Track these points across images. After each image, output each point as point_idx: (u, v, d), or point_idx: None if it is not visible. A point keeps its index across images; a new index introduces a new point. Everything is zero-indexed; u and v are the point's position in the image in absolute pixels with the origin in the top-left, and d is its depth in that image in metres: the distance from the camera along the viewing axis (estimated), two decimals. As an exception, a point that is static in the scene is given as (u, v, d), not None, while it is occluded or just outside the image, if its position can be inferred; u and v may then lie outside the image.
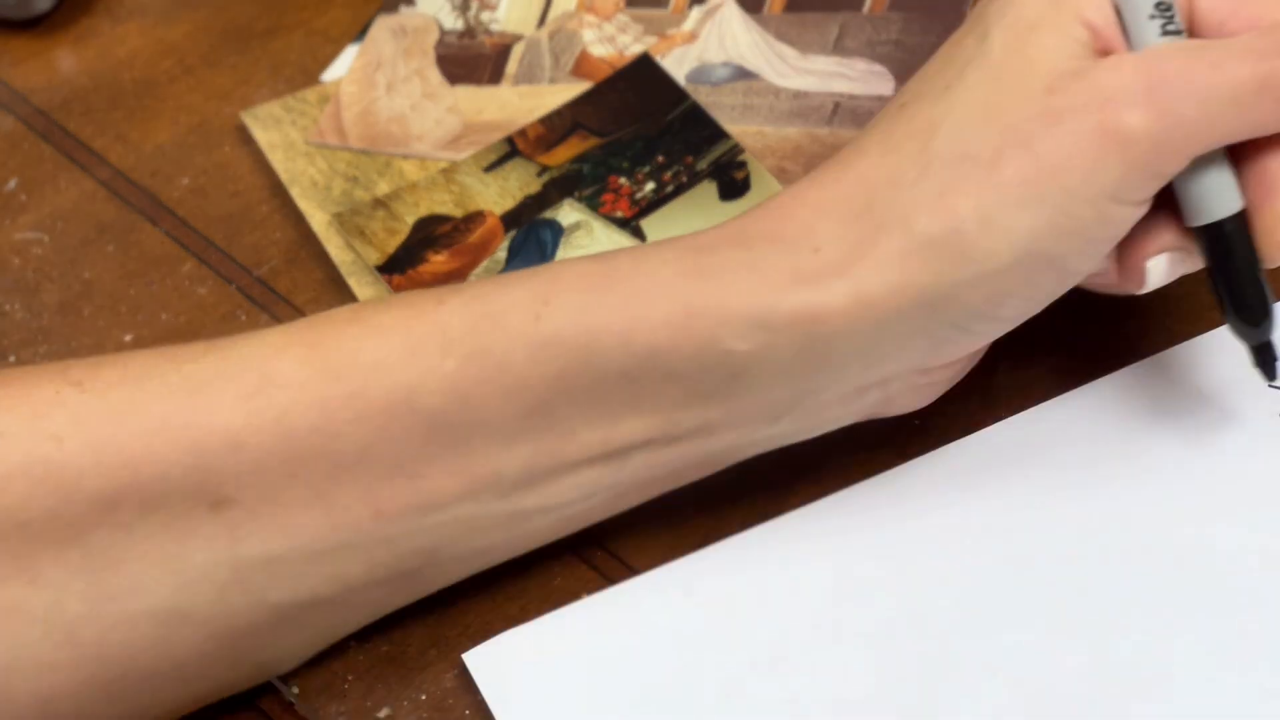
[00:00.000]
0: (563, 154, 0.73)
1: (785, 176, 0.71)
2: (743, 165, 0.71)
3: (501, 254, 0.70)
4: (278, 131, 0.75)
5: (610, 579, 0.61)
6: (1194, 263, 0.57)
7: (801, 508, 0.60)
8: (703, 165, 0.71)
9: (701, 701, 0.57)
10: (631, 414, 0.55)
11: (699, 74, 0.75)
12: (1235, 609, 0.57)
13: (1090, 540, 0.59)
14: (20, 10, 0.80)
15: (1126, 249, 0.57)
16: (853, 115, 0.73)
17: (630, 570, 0.61)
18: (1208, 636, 0.56)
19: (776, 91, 0.74)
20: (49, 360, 0.69)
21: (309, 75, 0.78)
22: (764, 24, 0.76)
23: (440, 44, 0.78)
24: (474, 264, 0.69)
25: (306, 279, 0.71)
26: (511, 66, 0.77)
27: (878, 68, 0.74)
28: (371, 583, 0.57)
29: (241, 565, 0.55)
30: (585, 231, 0.70)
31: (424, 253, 0.70)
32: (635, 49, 0.76)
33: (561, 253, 0.69)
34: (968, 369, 0.60)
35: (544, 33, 0.78)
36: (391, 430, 0.54)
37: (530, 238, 0.70)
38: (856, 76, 0.74)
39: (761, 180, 0.70)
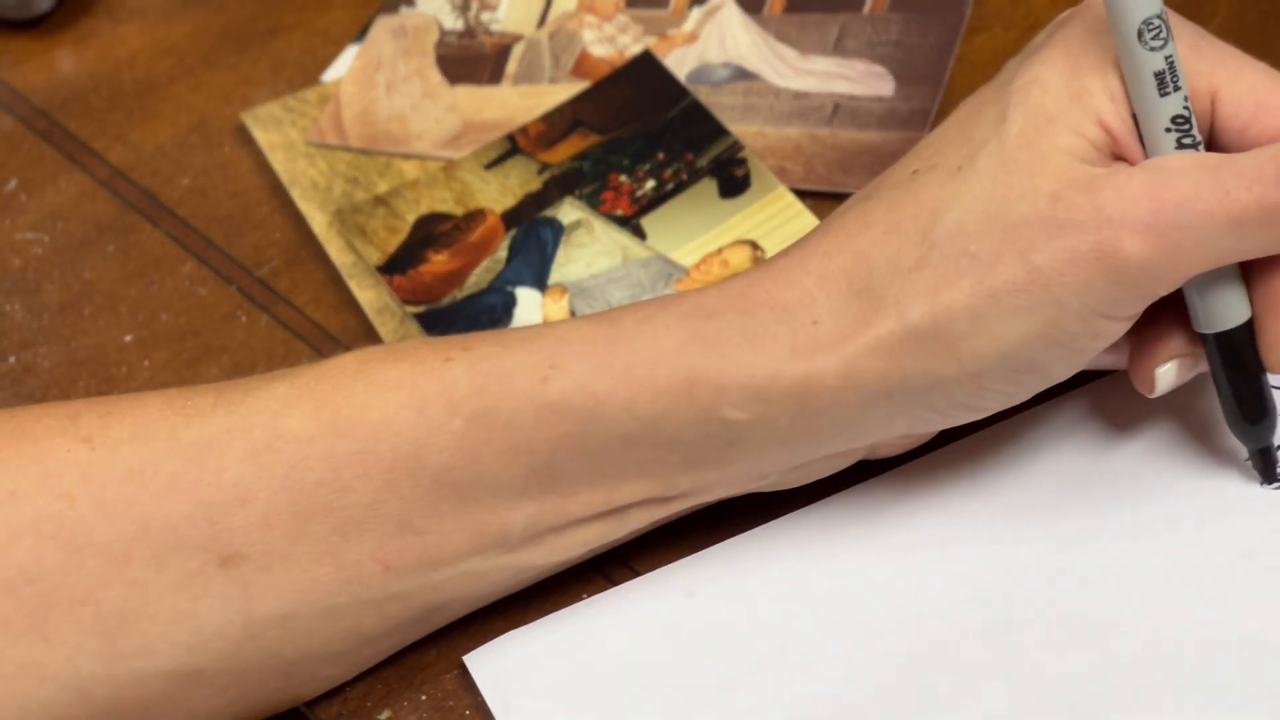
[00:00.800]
0: (563, 151, 0.73)
1: (785, 176, 0.71)
2: (743, 162, 0.71)
3: (502, 253, 0.70)
4: (278, 132, 0.75)
5: (611, 580, 0.61)
6: (1201, 366, 0.58)
7: (802, 509, 0.60)
8: (703, 163, 0.71)
9: (702, 702, 0.57)
10: (632, 476, 0.57)
11: (699, 74, 0.75)
12: (1234, 610, 0.57)
13: (1091, 539, 0.59)
14: (20, 10, 0.80)
15: (1138, 355, 0.58)
16: (853, 115, 0.73)
17: (631, 571, 0.61)
18: (1208, 635, 0.56)
19: (776, 92, 0.74)
20: (49, 360, 0.69)
21: (309, 75, 0.78)
22: (764, 24, 0.76)
23: (440, 44, 0.78)
24: (475, 263, 0.69)
25: (306, 279, 0.71)
26: (511, 66, 0.77)
27: (878, 68, 0.74)
28: (383, 634, 0.57)
29: (255, 623, 0.55)
30: (585, 230, 0.70)
31: (424, 252, 0.70)
32: (635, 49, 0.76)
33: (563, 252, 0.69)
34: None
35: (544, 33, 0.78)
36: (400, 486, 0.55)
37: (531, 236, 0.70)
38: (856, 77, 0.74)
39: (761, 178, 0.70)
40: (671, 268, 0.69)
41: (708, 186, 0.71)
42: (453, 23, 0.78)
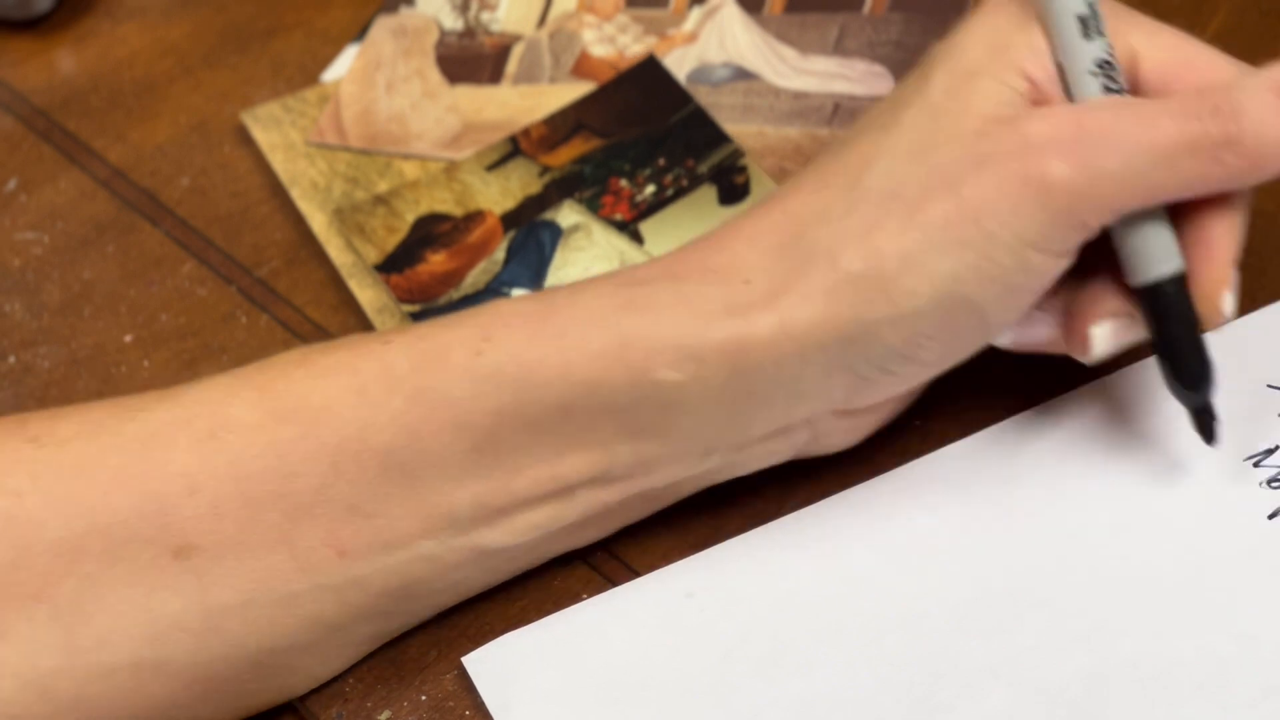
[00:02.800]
0: (565, 154, 0.73)
1: (785, 177, 0.71)
2: (743, 170, 0.71)
3: (500, 254, 0.70)
4: (278, 132, 0.75)
5: (611, 580, 0.61)
6: (1140, 331, 0.58)
7: (801, 509, 0.60)
8: (703, 169, 0.71)
9: (701, 702, 0.57)
10: (573, 448, 0.57)
11: (699, 74, 0.75)
12: (1235, 609, 0.57)
13: (1091, 540, 0.59)
14: (20, 10, 0.80)
15: (1072, 315, 0.58)
16: (852, 116, 0.73)
17: (631, 571, 0.61)
18: (1208, 634, 0.56)
19: (776, 92, 0.74)
20: (49, 360, 0.69)
21: (309, 75, 0.78)
22: (764, 24, 0.76)
23: (440, 44, 0.78)
24: (472, 264, 0.69)
25: (306, 279, 0.71)
26: (511, 66, 0.77)
27: (878, 68, 0.74)
28: (348, 623, 0.58)
29: (213, 612, 0.55)
30: (584, 233, 0.70)
31: (423, 251, 0.70)
32: (635, 49, 0.76)
33: (560, 255, 0.69)
34: (895, 413, 0.60)
35: (544, 33, 0.78)
36: (346, 468, 0.55)
37: (529, 239, 0.70)
38: (856, 77, 0.74)
39: (761, 185, 0.70)
40: (668, 272, 0.69)
41: (707, 193, 0.71)
42: (452, 23, 0.78)
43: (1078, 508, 0.59)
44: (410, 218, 0.71)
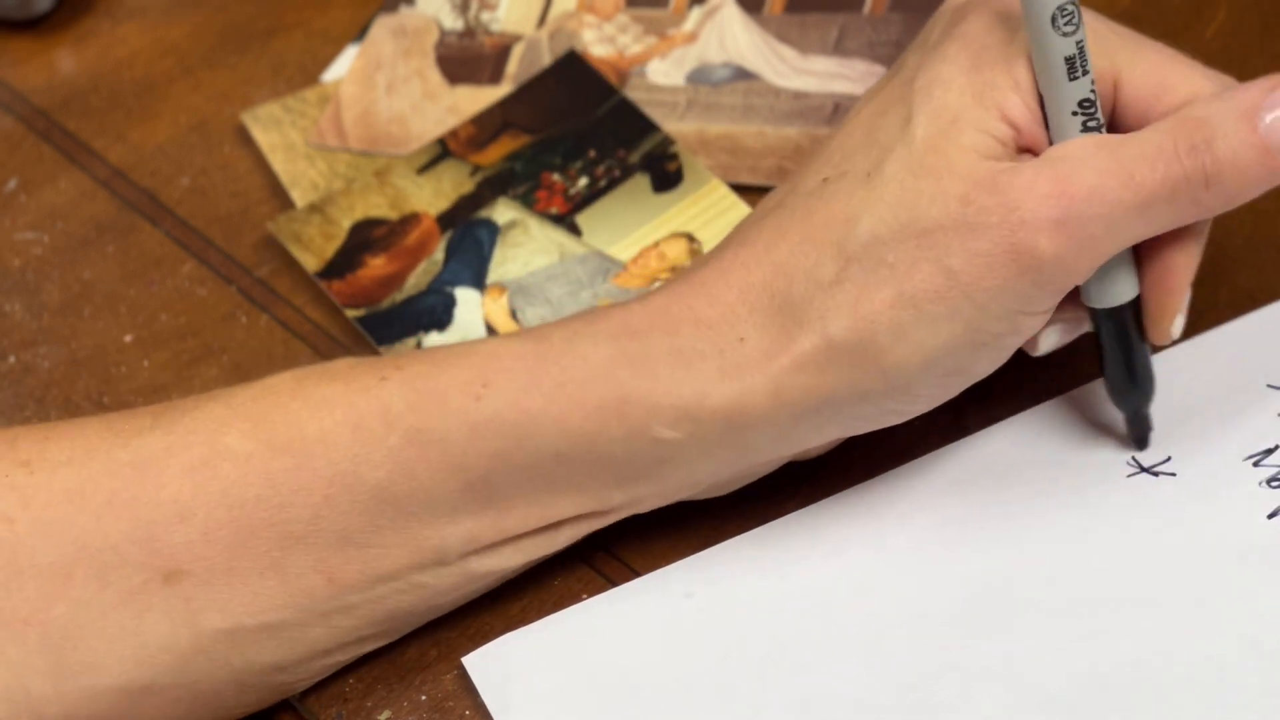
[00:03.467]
0: (494, 153, 0.73)
1: (785, 176, 0.71)
2: (675, 157, 0.71)
3: (439, 255, 0.70)
4: (278, 132, 0.75)
5: (611, 580, 0.61)
6: (1083, 329, 0.59)
7: (801, 509, 0.61)
8: (635, 158, 0.72)
9: (701, 703, 0.57)
10: (566, 492, 0.57)
11: (699, 74, 0.75)
12: (1233, 610, 0.57)
13: (1090, 539, 0.59)
14: (20, 10, 0.80)
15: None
16: (853, 115, 0.73)
17: (631, 571, 0.61)
18: (1206, 635, 0.56)
19: (776, 92, 0.74)
20: (49, 360, 0.69)
21: (309, 75, 0.78)
22: (764, 24, 0.76)
23: (440, 44, 0.78)
24: (412, 265, 0.70)
25: (306, 279, 0.71)
26: (511, 66, 0.77)
27: (878, 69, 0.74)
28: (334, 646, 0.58)
29: (202, 636, 0.55)
30: (521, 229, 0.70)
31: (361, 256, 0.70)
32: (635, 49, 0.76)
33: (499, 252, 0.70)
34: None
35: (544, 33, 0.78)
36: (338, 500, 0.56)
37: (467, 237, 0.70)
38: (856, 77, 0.74)
39: (694, 171, 0.71)
40: (609, 263, 0.69)
41: (640, 182, 0.71)
42: (452, 23, 0.78)
43: (1076, 507, 0.59)
44: (346, 224, 0.71)
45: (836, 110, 0.73)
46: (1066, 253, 0.54)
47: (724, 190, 0.70)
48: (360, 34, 0.79)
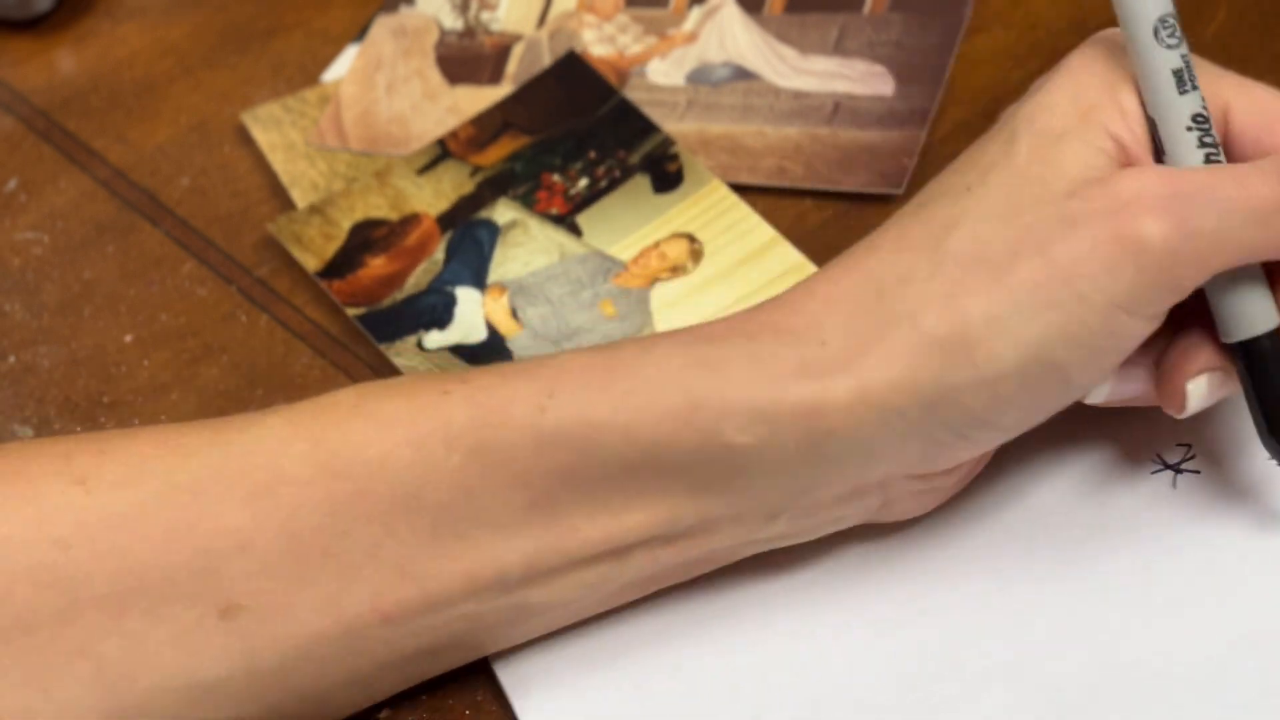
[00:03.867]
0: (494, 154, 0.73)
1: (785, 175, 0.71)
2: (675, 157, 0.71)
3: (439, 255, 0.70)
4: (278, 132, 0.75)
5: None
6: (1235, 385, 0.56)
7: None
8: (635, 159, 0.72)
9: (708, 702, 0.57)
10: (634, 508, 0.55)
11: (699, 74, 0.75)
12: (1233, 612, 0.57)
13: (1094, 543, 0.59)
14: (20, 10, 0.80)
15: (1166, 370, 0.56)
16: (853, 115, 0.73)
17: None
18: (1208, 636, 0.56)
19: (776, 92, 0.74)
20: (49, 360, 0.69)
21: (309, 75, 0.78)
22: (764, 24, 0.76)
23: (440, 44, 0.78)
24: (413, 266, 0.70)
25: (306, 279, 0.71)
26: (511, 66, 0.77)
27: (878, 68, 0.74)
28: (373, 678, 0.56)
29: (254, 674, 0.54)
30: (521, 229, 0.70)
31: (362, 257, 0.70)
32: (635, 49, 0.76)
33: (500, 252, 0.70)
34: (970, 477, 0.59)
35: (544, 33, 0.78)
36: (398, 528, 0.54)
37: (467, 238, 0.70)
38: (856, 77, 0.74)
39: (695, 172, 0.71)
40: (609, 263, 0.69)
41: (641, 182, 0.71)
42: (452, 22, 0.78)
43: (1080, 504, 0.59)
44: (346, 224, 0.71)
45: (836, 110, 0.73)
46: (1173, 239, 0.52)
47: (725, 191, 0.70)
48: (360, 34, 0.79)
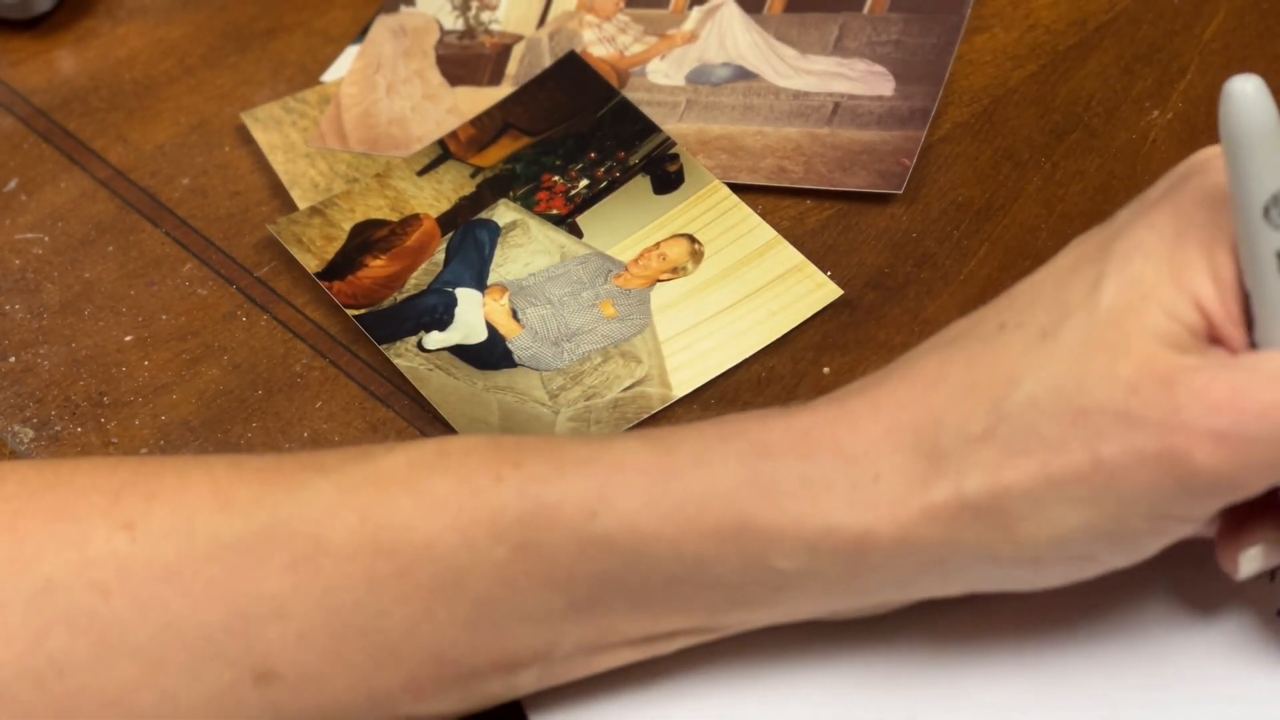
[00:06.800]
0: (495, 155, 0.73)
1: (785, 176, 0.71)
2: (675, 158, 0.71)
3: (439, 256, 0.70)
4: (278, 132, 0.75)
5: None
6: None
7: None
8: (635, 160, 0.72)
9: None
10: (675, 612, 0.55)
11: (699, 74, 0.75)
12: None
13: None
14: (20, 10, 0.80)
15: (1222, 535, 0.55)
16: (853, 115, 0.73)
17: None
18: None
19: (776, 91, 0.74)
20: (49, 360, 0.69)
21: (309, 76, 0.78)
22: (764, 24, 0.76)
23: (440, 44, 0.78)
24: (413, 266, 0.70)
25: (306, 279, 0.71)
26: (512, 67, 0.77)
27: (878, 68, 0.74)
28: None
29: None
30: (522, 230, 0.70)
31: (362, 258, 0.70)
32: (635, 49, 0.76)
33: (500, 252, 0.70)
34: None
35: (544, 33, 0.78)
36: (437, 613, 0.54)
37: (467, 238, 0.70)
38: (856, 77, 0.74)
39: (695, 172, 0.71)
40: (610, 263, 0.69)
41: (641, 183, 0.71)
42: (453, 23, 0.78)
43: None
44: (347, 226, 0.71)
45: (836, 110, 0.73)
46: (1225, 470, 0.51)
47: (725, 192, 0.70)
48: (360, 34, 0.79)
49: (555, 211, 0.71)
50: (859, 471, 0.53)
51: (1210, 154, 0.54)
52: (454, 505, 0.54)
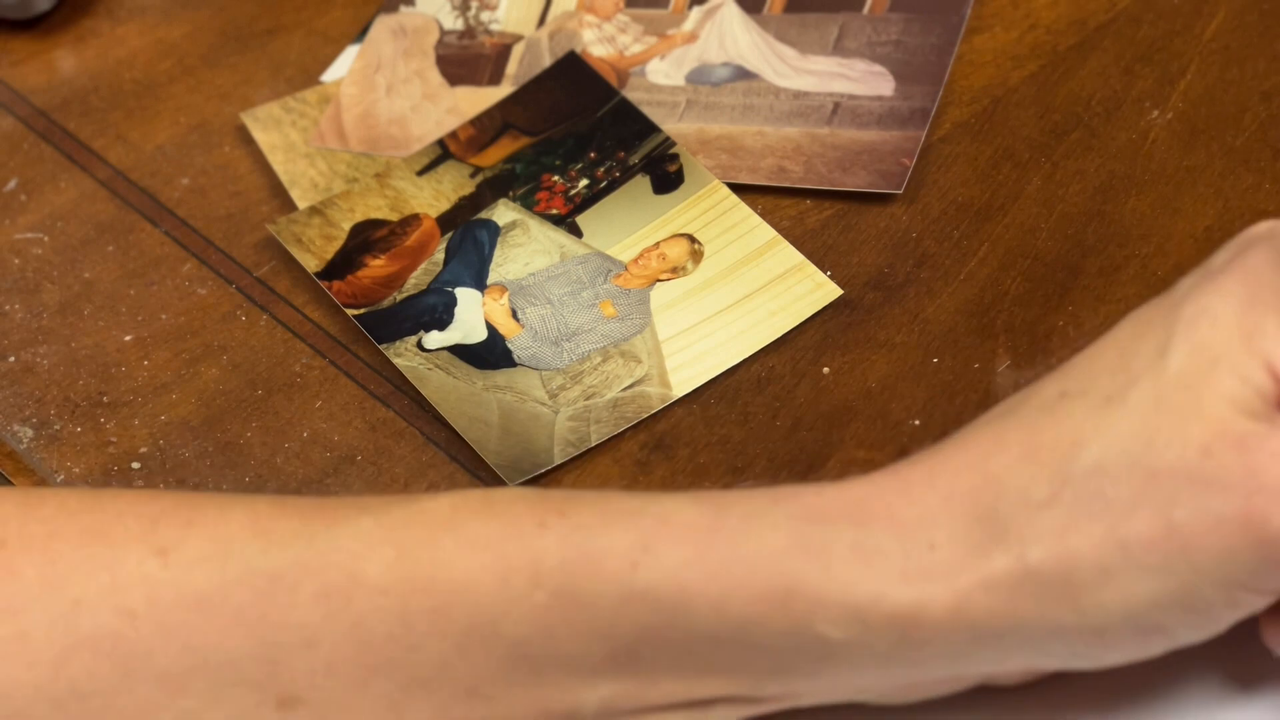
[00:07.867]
0: (494, 155, 0.73)
1: (785, 176, 0.71)
2: (675, 158, 0.71)
3: (439, 255, 0.70)
4: (278, 132, 0.75)
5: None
6: None
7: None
8: (635, 160, 0.72)
9: None
10: (717, 673, 0.53)
11: (699, 74, 0.75)
12: None
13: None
14: (20, 10, 0.80)
15: (1272, 613, 0.54)
16: (853, 115, 0.73)
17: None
18: None
19: (776, 91, 0.74)
20: (49, 360, 0.69)
21: (309, 75, 0.78)
22: (764, 24, 0.76)
23: (440, 44, 0.78)
24: (413, 266, 0.70)
25: (306, 279, 0.71)
26: (511, 67, 0.77)
27: (878, 68, 0.74)
28: None
29: None
30: (522, 230, 0.70)
31: (362, 257, 0.70)
32: (635, 49, 0.76)
33: (500, 252, 0.70)
34: None
35: (544, 33, 0.78)
36: (472, 652, 0.53)
37: (467, 238, 0.70)
38: (856, 77, 0.74)
39: (694, 172, 0.71)
40: (610, 263, 0.69)
41: (641, 183, 0.71)
42: (452, 23, 0.78)
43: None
44: (346, 225, 0.71)
45: (836, 110, 0.73)
46: None
47: (725, 192, 0.70)
48: (360, 34, 0.79)
49: (555, 211, 0.71)
50: (914, 539, 0.51)
51: (1277, 224, 0.53)
52: (495, 547, 0.53)
